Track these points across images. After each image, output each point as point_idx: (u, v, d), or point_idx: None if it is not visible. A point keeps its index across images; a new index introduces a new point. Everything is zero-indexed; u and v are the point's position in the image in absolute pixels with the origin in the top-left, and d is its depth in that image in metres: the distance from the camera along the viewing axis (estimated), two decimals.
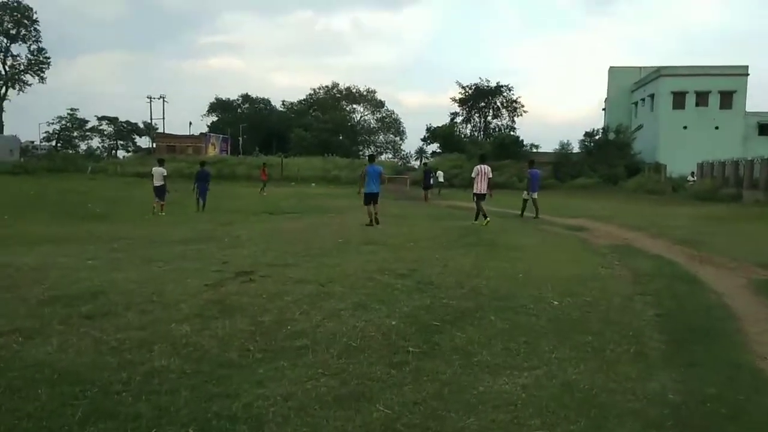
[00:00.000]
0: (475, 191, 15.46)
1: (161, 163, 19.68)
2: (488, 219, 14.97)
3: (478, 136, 62.52)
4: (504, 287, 7.14)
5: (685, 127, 45.81)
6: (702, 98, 46.38)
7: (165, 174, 18.43)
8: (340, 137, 73.19)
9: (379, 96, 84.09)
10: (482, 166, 15.40)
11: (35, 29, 75.10)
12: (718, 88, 45.89)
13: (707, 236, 12.96)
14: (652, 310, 6.28)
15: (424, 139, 61.94)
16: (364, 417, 3.52)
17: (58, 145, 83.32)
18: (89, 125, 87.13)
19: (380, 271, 7.86)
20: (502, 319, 5.69)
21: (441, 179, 32.06)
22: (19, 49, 76.61)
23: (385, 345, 4.84)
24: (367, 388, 3.94)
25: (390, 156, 79.36)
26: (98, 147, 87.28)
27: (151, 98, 74.22)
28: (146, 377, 4.03)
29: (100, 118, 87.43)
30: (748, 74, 46.13)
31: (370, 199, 14.55)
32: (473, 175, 15.57)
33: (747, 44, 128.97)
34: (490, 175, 15.37)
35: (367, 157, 16.20)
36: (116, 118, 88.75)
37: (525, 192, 18.31)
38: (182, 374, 4.12)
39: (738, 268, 9.11)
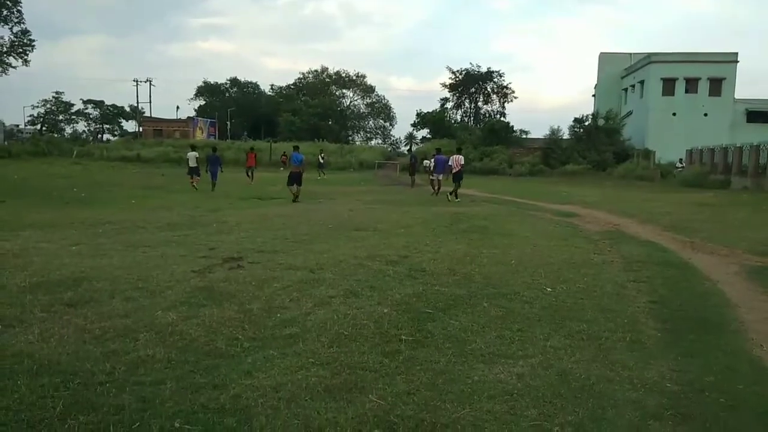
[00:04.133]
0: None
1: (194, 148, 24.62)
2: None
3: (468, 122, 62.38)
4: (496, 274, 7.07)
5: (674, 114, 45.90)
6: (691, 85, 46.41)
7: (198, 157, 22.81)
8: (330, 122, 72.63)
9: (369, 81, 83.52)
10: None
11: (18, 11, 73.41)
12: (707, 75, 45.93)
13: (697, 223, 12.97)
14: (646, 297, 6.23)
15: (414, 125, 61.73)
16: (357, 408, 3.42)
17: (43, 128, 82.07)
18: (75, 109, 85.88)
19: (371, 258, 7.75)
20: (495, 307, 5.60)
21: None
22: (2, 31, 75.06)
23: (377, 333, 4.73)
24: (359, 378, 3.84)
25: (380, 141, 79.01)
26: (84, 131, 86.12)
27: (137, 81, 72.94)
28: (130, 367, 3.90)
29: (86, 102, 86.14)
30: (737, 61, 46.20)
31: (293, 179, 17.92)
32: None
33: (737, 31, 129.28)
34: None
35: (293, 147, 20.47)
36: (102, 102, 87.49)
37: (431, 174, 22.34)
38: (168, 364, 3.99)
39: (730, 254, 9.10)
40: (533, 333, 4.88)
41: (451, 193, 19.24)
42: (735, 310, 5.90)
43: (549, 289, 6.36)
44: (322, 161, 36.36)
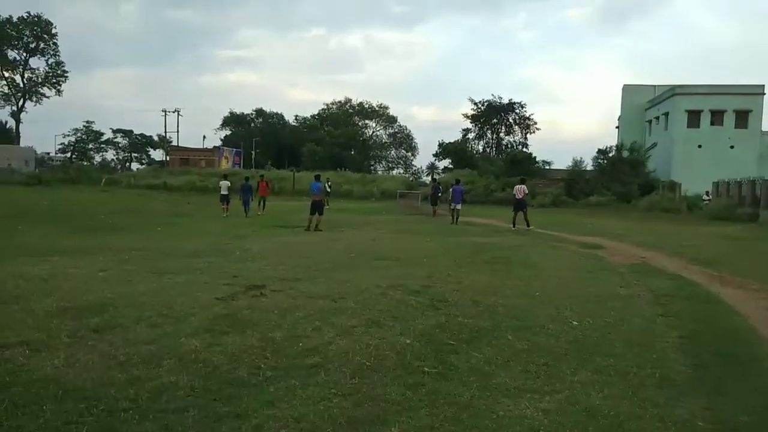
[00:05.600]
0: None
1: (225, 177, 27.03)
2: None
3: (490, 153, 62.40)
4: (521, 306, 6.97)
5: (699, 146, 45.41)
6: (717, 117, 45.96)
7: (229, 186, 24.47)
8: (352, 152, 73.31)
9: (391, 112, 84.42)
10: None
11: (54, 43, 76.38)
12: (733, 107, 45.49)
13: (726, 256, 12.70)
14: (675, 332, 6.08)
15: (435, 155, 61.87)
16: None
17: (73, 156, 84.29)
18: (104, 137, 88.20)
19: (393, 287, 7.72)
20: (520, 340, 5.51)
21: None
22: (38, 63, 77.91)
23: (400, 365, 4.68)
24: (382, 411, 3.79)
25: (401, 171, 79.31)
26: (113, 159, 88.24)
27: (165, 111, 74.92)
28: (154, 395, 3.91)
29: (115, 131, 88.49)
30: (764, 93, 45.69)
31: (315, 208, 18.14)
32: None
33: (763, 63, 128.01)
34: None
35: (314, 176, 20.67)
36: (131, 131, 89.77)
37: (450, 203, 22.98)
38: (191, 392, 3.99)
39: (760, 289, 8.87)
40: (559, 367, 4.78)
41: (455, 220, 21.62)
42: (767, 346, 5.72)
43: (575, 323, 6.25)
44: (329, 190, 36.58)
